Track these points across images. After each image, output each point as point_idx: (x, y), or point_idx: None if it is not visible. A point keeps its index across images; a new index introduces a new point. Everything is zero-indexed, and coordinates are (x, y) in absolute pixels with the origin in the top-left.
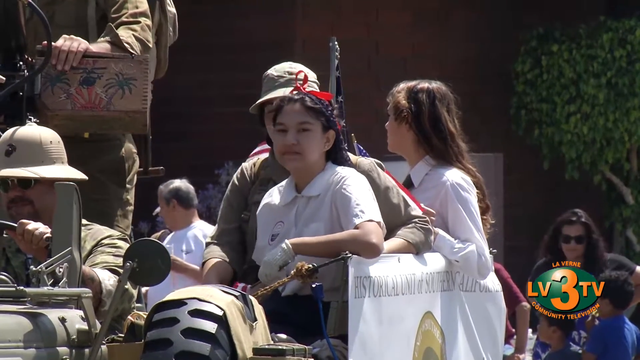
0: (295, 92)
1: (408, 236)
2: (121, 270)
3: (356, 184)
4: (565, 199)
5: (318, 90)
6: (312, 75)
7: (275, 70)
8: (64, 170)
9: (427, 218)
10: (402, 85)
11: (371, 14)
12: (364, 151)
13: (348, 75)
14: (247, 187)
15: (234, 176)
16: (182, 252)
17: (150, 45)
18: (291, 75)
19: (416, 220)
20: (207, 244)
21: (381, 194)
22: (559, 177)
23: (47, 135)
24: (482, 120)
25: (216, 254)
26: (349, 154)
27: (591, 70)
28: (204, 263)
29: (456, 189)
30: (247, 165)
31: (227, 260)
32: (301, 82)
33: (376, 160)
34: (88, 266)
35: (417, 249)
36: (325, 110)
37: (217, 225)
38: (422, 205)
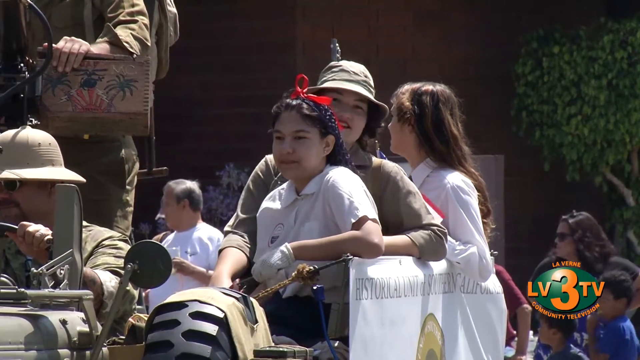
0: (293, 98)
1: (415, 237)
2: (122, 272)
3: (347, 180)
4: (566, 201)
5: (371, 85)
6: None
7: (350, 65)
8: (52, 172)
9: (446, 230)
10: (407, 87)
11: (371, 16)
12: (385, 157)
13: None
14: (270, 178)
15: (258, 167)
16: (187, 254)
17: (149, 44)
18: (367, 78)
19: (434, 228)
20: (226, 233)
21: (403, 197)
22: (559, 178)
23: (36, 137)
24: (483, 122)
25: (233, 243)
26: (372, 156)
27: (592, 72)
28: (221, 251)
29: (457, 192)
30: (271, 157)
31: (244, 250)
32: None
33: (398, 165)
34: (89, 268)
35: (420, 252)
36: (322, 117)
37: (236, 213)
38: None
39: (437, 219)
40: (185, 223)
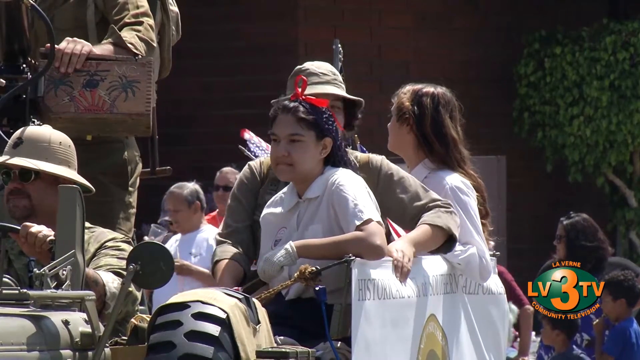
0: (292, 100)
1: (435, 220)
2: (125, 273)
3: (352, 184)
4: (568, 202)
5: (341, 81)
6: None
7: (317, 66)
8: (67, 172)
9: (448, 200)
10: (408, 87)
11: (373, 18)
12: (366, 151)
13: (350, 78)
14: (256, 185)
15: (242, 174)
16: (190, 256)
17: (155, 45)
18: (335, 76)
19: (439, 203)
20: (219, 242)
21: (398, 183)
22: (562, 179)
23: (57, 136)
24: (485, 123)
25: (228, 255)
26: (357, 152)
27: (594, 73)
28: (216, 262)
29: (455, 193)
30: (255, 163)
31: (239, 261)
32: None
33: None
34: (92, 269)
35: (449, 231)
36: (319, 120)
37: (224, 222)
38: None
39: (433, 193)
40: (195, 224)
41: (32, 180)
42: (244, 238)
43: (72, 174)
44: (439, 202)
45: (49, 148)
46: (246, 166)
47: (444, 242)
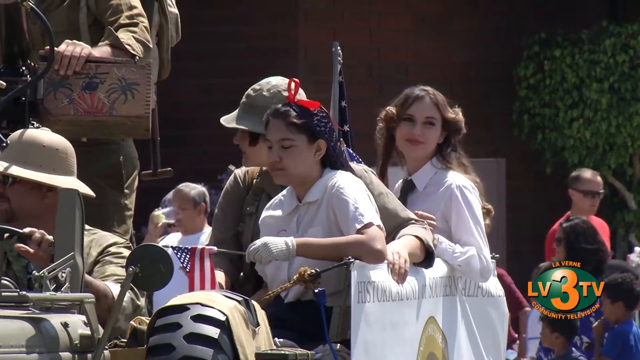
0: (283, 104)
1: (417, 232)
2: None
3: (352, 187)
4: (568, 204)
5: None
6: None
7: (258, 97)
8: (46, 176)
9: (424, 221)
10: (439, 97)
11: (373, 20)
12: (355, 156)
13: (350, 80)
14: (241, 195)
15: (227, 183)
16: None
17: (150, 46)
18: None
19: (413, 221)
20: None
21: (378, 199)
22: (561, 182)
23: (42, 139)
24: (485, 125)
25: (217, 266)
26: None
27: (594, 75)
28: None
29: (462, 191)
30: (240, 172)
31: (225, 272)
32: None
33: (366, 167)
34: (99, 279)
35: (428, 245)
36: (309, 123)
37: (211, 232)
38: (419, 212)
39: (411, 213)
40: (198, 226)
41: (10, 184)
42: (229, 248)
43: (51, 178)
44: (413, 221)
45: (29, 151)
46: (232, 175)
47: (424, 258)
